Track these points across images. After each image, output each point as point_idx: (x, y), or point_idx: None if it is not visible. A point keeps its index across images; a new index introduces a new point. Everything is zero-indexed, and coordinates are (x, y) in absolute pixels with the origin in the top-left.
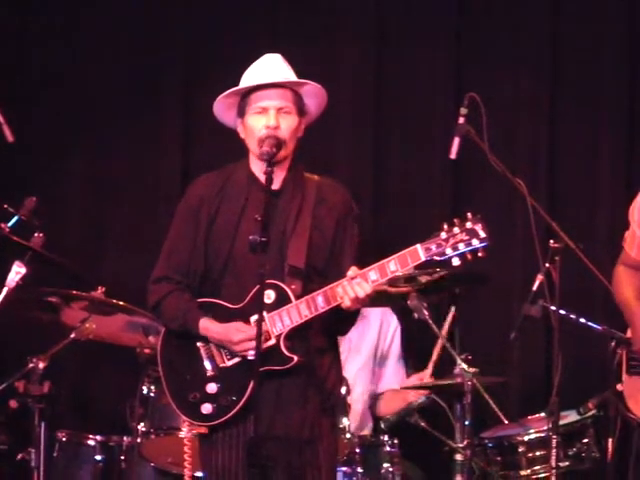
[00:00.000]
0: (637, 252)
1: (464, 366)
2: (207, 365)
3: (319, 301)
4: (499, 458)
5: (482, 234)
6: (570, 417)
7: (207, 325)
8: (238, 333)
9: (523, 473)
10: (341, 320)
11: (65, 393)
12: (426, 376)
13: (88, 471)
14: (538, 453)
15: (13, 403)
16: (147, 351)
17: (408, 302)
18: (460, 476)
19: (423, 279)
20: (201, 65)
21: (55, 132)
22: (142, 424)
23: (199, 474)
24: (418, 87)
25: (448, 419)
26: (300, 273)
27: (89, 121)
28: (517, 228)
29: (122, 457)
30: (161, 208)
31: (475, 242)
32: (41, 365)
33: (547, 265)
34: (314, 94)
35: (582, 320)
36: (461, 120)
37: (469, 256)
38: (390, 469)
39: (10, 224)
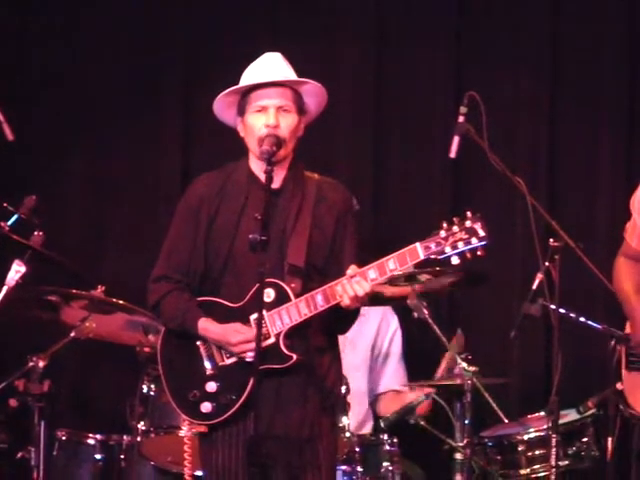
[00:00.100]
0: (637, 242)
1: (464, 365)
2: (207, 364)
3: (318, 300)
4: (499, 457)
5: (481, 233)
6: (570, 416)
7: (206, 325)
8: (236, 334)
9: (523, 472)
10: (341, 319)
11: (65, 392)
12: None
13: (88, 470)
14: (538, 452)
15: (13, 402)
16: (147, 350)
17: (408, 301)
18: (460, 475)
19: (423, 278)
20: (201, 65)
21: (55, 131)
22: (142, 423)
23: (199, 473)
24: (418, 87)
25: (448, 418)
26: (300, 272)
27: (89, 121)
28: (517, 227)
29: (122, 456)
30: (161, 207)
31: (474, 241)
32: (41, 364)
33: (547, 264)
34: (314, 93)
35: (582, 319)
36: (461, 119)
37: (468, 255)
38: (390, 468)
39: (10, 223)
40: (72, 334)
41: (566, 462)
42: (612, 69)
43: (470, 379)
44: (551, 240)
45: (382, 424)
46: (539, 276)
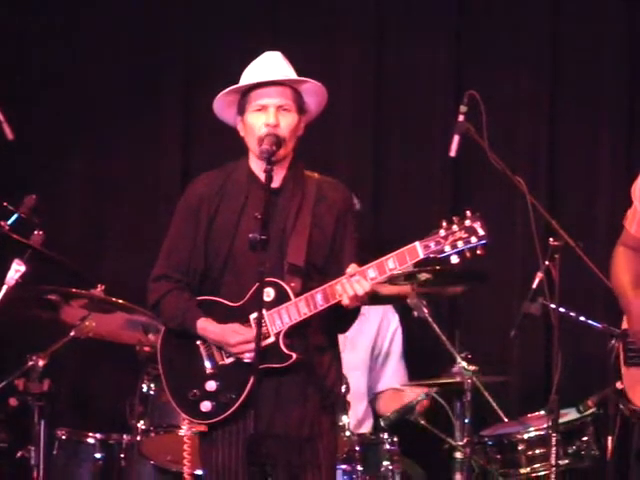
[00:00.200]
0: (637, 228)
1: (464, 364)
2: (207, 363)
3: (318, 299)
4: (499, 456)
5: (481, 232)
6: (570, 415)
7: (205, 326)
8: (235, 335)
9: (523, 471)
10: (341, 317)
11: (65, 391)
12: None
13: (88, 469)
14: (538, 451)
15: (13, 401)
16: (147, 349)
17: (408, 300)
18: (460, 474)
19: (423, 277)
20: (201, 64)
21: (55, 131)
22: (142, 422)
23: (198, 472)
24: (418, 87)
25: (448, 417)
26: (300, 271)
27: (89, 120)
28: (517, 226)
29: (122, 455)
30: (161, 207)
31: (474, 240)
32: (41, 363)
33: (547, 263)
34: (314, 92)
35: (582, 318)
36: (461, 118)
37: (468, 254)
38: (390, 467)
39: (10, 222)
40: (72, 333)
41: (566, 461)
42: (612, 69)
43: (470, 378)
44: (551, 239)
45: (382, 423)
46: (539, 275)
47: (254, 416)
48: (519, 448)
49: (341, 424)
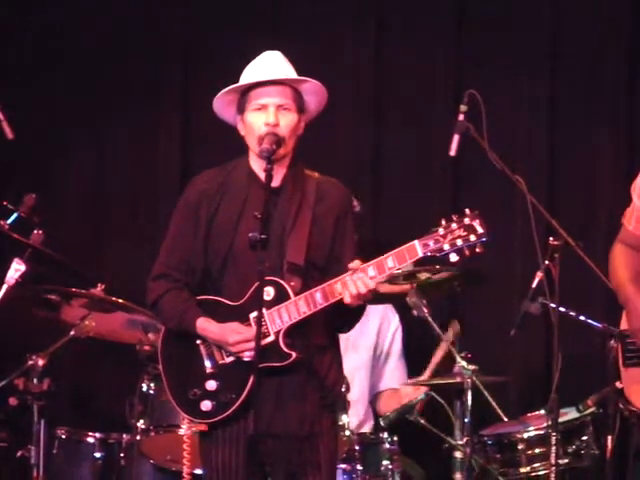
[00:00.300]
0: (635, 225)
1: (463, 364)
2: (207, 362)
3: (318, 298)
4: (499, 455)
5: (480, 230)
6: (569, 414)
7: (204, 325)
8: (234, 334)
9: (523, 470)
10: (345, 316)
11: (65, 390)
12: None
13: (87, 468)
14: (537, 450)
15: (13, 400)
16: (147, 348)
17: (407, 299)
18: (460, 473)
19: (423, 276)
20: (201, 63)
21: (55, 130)
22: (141, 421)
23: (198, 471)
24: (418, 87)
25: (448, 416)
26: (299, 270)
27: (89, 119)
28: (516, 225)
29: (121, 454)
30: (161, 206)
31: (473, 238)
32: (41, 362)
33: (547, 262)
34: (314, 92)
35: (582, 317)
36: (461, 117)
37: (467, 252)
38: (390, 466)
39: (9, 221)
40: (72, 333)
41: (566, 460)
42: (612, 69)
43: (470, 377)
44: (551, 239)
45: (382, 423)
46: (539, 275)
47: (254, 415)
48: (519, 447)
49: (341, 423)
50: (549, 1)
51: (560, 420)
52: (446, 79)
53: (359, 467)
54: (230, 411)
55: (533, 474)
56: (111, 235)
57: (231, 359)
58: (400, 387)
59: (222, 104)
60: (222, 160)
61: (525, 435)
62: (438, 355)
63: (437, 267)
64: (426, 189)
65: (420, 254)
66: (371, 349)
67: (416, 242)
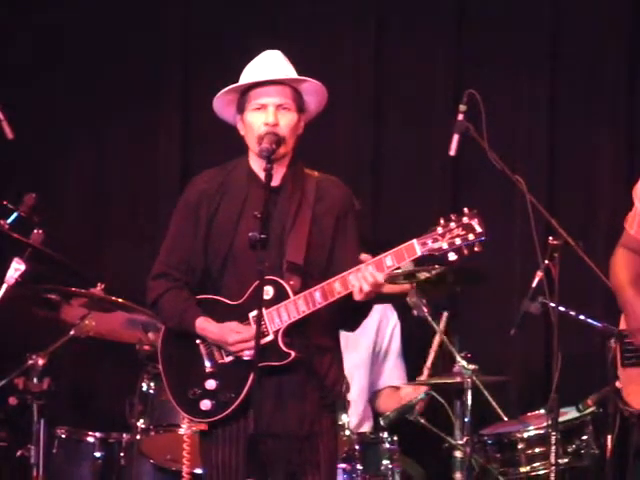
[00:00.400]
0: (637, 229)
1: (463, 363)
2: (206, 362)
3: (317, 297)
4: (498, 455)
5: (478, 229)
6: (569, 414)
7: (203, 325)
8: (233, 334)
9: (522, 470)
10: (351, 314)
11: (64, 390)
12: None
13: (87, 468)
14: (537, 450)
15: (13, 400)
16: (147, 348)
17: (407, 299)
18: (460, 473)
19: (422, 276)
20: (201, 63)
21: (55, 130)
22: (141, 421)
23: (198, 471)
24: (418, 87)
25: (448, 416)
26: (299, 269)
27: (89, 119)
28: (516, 225)
29: (121, 454)
30: (161, 205)
31: (471, 237)
32: (40, 362)
33: (546, 262)
34: (314, 91)
35: (581, 317)
36: (460, 117)
37: (465, 251)
38: (390, 466)
39: (9, 221)
40: (72, 332)
41: (566, 460)
42: (612, 69)
43: (470, 377)
44: (550, 238)
45: (382, 422)
46: (539, 274)
47: (254, 415)
48: (519, 447)
49: (341, 423)
50: (549, 1)
51: (560, 420)
52: (446, 79)
53: (359, 467)
54: (229, 410)
55: (533, 474)
56: (111, 235)
57: (230, 358)
58: (400, 386)
59: (222, 104)
60: (222, 160)
61: (525, 435)
62: (433, 348)
63: (436, 266)
64: (426, 189)
65: (419, 253)
66: (370, 347)
67: (415, 241)
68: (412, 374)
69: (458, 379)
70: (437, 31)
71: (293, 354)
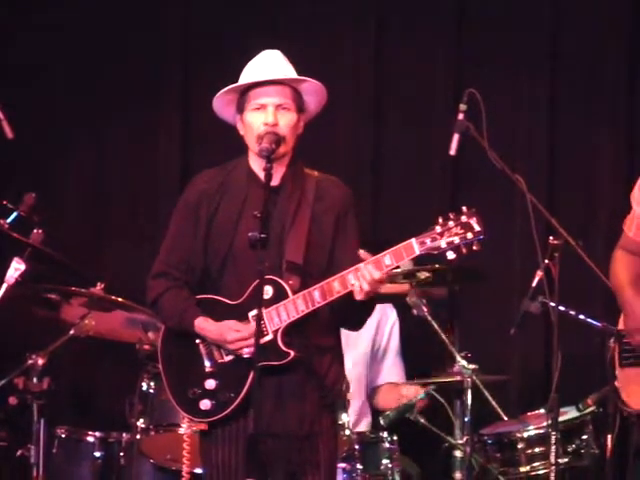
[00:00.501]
0: (635, 232)
1: (463, 363)
2: (206, 361)
3: (316, 296)
4: (498, 454)
5: (477, 227)
6: (569, 413)
7: (202, 325)
8: (231, 332)
9: (522, 469)
10: (353, 312)
11: (64, 390)
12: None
13: (87, 467)
14: (537, 449)
15: (12, 400)
16: (146, 347)
17: (407, 299)
18: (459, 472)
19: (422, 275)
20: (200, 62)
21: (55, 130)
22: (141, 420)
23: (198, 470)
24: (418, 87)
25: (447, 416)
26: (298, 268)
27: (88, 119)
28: (516, 225)
29: (121, 453)
30: (161, 205)
31: (470, 235)
32: (40, 361)
33: (546, 261)
34: (314, 91)
35: (581, 316)
36: (460, 116)
37: (464, 249)
38: (389, 465)
39: (9, 220)
40: (72, 332)
41: (565, 460)
42: (612, 69)
43: (470, 377)
44: (551, 238)
45: (382, 422)
46: (539, 274)
47: (254, 415)
48: (519, 447)
49: (341, 423)
50: (549, 1)
51: (560, 419)
52: (446, 79)
53: (359, 466)
54: (229, 410)
55: (533, 473)
56: (111, 235)
57: (230, 358)
58: (399, 383)
59: (222, 104)
60: (222, 160)
61: (525, 434)
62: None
63: (437, 266)
64: (426, 189)
65: (417, 252)
66: (369, 345)
67: (413, 240)
68: (411, 373)
69: (458, 378)
70: (437, 31)
71: (292, 353)
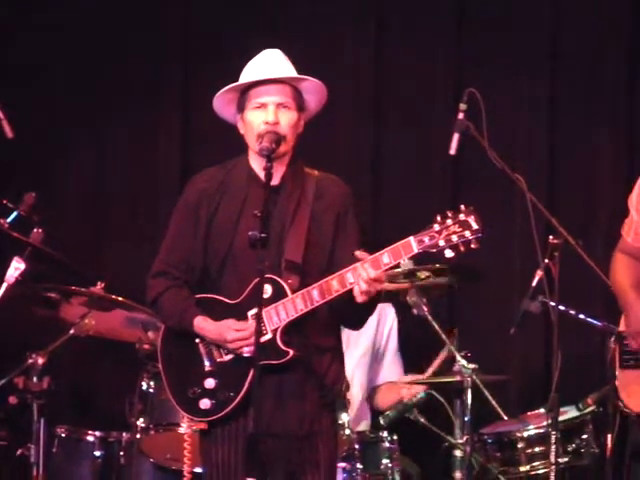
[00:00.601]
0: (633, 237)
1: (463, 362)
2: (205, 361)
3: (314, 295)
4: (498, 454)
5: (475, 226)
6: (569, 413)
7: (201, 325)
8: (231, 331)
9: (522, 469)
10: (354, 311)
11: (64, 389)
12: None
13: (87, 467)
14: (537, 449)
15: (12, 399)
16: (146, 347)
17: (407, 298)
18: (459, 472)
19: (422, 275)
20: (201, 62)
21: (55, 130)
22: (141, 420)
23: (198, 470)
24: (418, 87)
25: (447, 415)
26: (297, 268)
27: (88, 118)
28: (516, 224)
29: (121, 453)
30: (161, 204)
31: (468, 234)
32: (40, 361)
33: (546, 261)
34: (314, 90)
35: (581, 316)
36: (460, 116)
37: (462, 248)
38: (389, 465)
39: (9, 220)
40: (72, 331)
41: (565, 459)
42: (612, 69)
43: (470, 376)
44: (550, 237)
45: (382, 421)
46: (539, 273)
47: (254, 414)
48: (519, 446)
49: (341, 422)
50: (549, 1)
51: (560, 419)
52: (446, 79)
53: (359, 466)
54: (228, 409)
55: (533, 473)
56: (111, 235)
57: (229, 357)
58: (399, 383)
59: (222, 103)
60: (222, 160)
61: (525, 434)
62: (439, 360)
63: (437, 265)
64: (426, 189)
65: (415, 250)
66: (370, 346)
67: (411, 238)
68: (410, 373)
69: (458, 378)
70: (437, 31)
71: (291, 352)
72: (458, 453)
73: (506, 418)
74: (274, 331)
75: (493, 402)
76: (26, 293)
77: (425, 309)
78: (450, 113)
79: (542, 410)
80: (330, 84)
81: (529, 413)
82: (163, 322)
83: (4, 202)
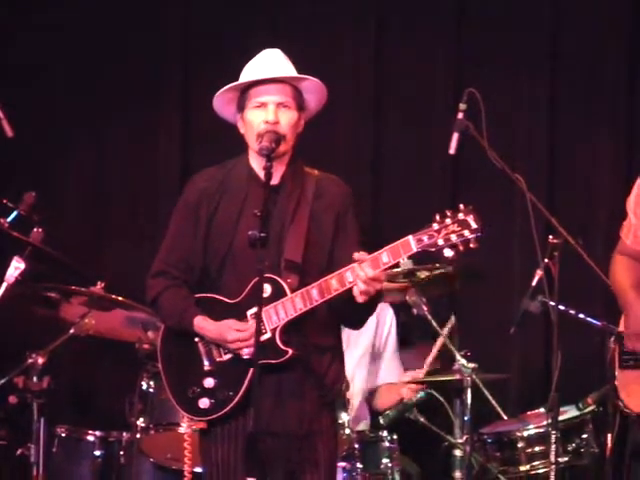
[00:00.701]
0: (633, 240)
1: (463, 362)
2: (205, 360)
3: (314, 294)
4: (498, 454)
5: (474, 225)
6: (569, 412)
7: (201, 324)
8: (231, 332)
9: (522, 469)
10: (354, 310)
11: (64, 389)
12: (421, 375)
13: (87, 466)
14: (537, 449)
15: (12, 399)
16: (146, 346)
17: (407, 298)
18: (459, 472)
19: (422, 275)
20: (201, 61)
21: (55, 130)
22: (141, 419)
23: (198, 470)
24: (418, 87)
25: (447, 415)
26: (297, 267)
27: (88, 118)
28: (516, 224)
29: (121, 452)
30: (161, 206)
31: (467, 233)
32: (40, 360)
33: (546, 260)
34: (314, 89)
35: (581, 315)
36: (460, 115)
37: (461, 247)
38: (389, 464)
39: (9, 219)
40: (71, 331)
41: (565, 459)
42: (612, 69)
43: (469, 376)
44: (550, 237)
45: (382, 421)
46: (538, 273)
47: (253, 413)
48: (519, 446)
49: (341, 422)
50: (549, 1)
51: (560, 418)
52: (446, 79)
53: (359, 465)
54: (228, 409)
55: (533, 472)
56: (111, 235)
57: (228, 357)
58: (398, 383)
59: (222, 102)
60: (222, 159)
61: (525, 433)
62: (434, 350)
63: (437, 265)
64: (426, 189)
65: (414, 249)
66: (369, 346)
67: (410, 237)
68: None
69: (458, 377)
70: (437, 31)
71: (290, 352)
72: (458, 453)
73: (506, 418)
74: (273, 330)
75: (493, 402)
76: (26, 293)
77: (425, 309)
78: (450, 113)
79: (542, 410)
80: (330, 84)
81: (529, 413)
82: (163, 322)
83: (4, 202)
